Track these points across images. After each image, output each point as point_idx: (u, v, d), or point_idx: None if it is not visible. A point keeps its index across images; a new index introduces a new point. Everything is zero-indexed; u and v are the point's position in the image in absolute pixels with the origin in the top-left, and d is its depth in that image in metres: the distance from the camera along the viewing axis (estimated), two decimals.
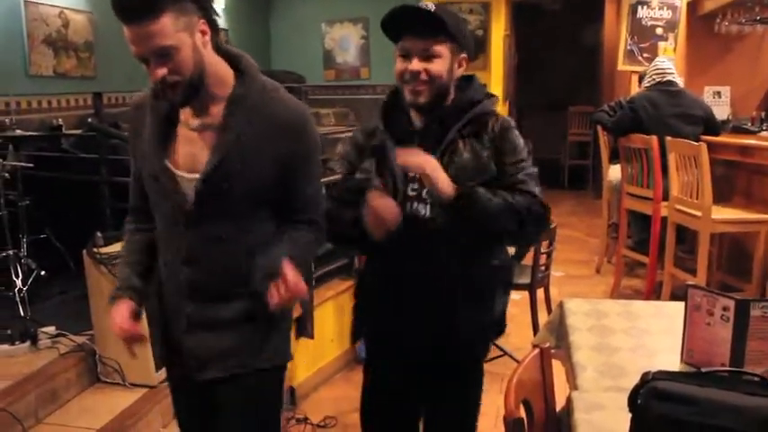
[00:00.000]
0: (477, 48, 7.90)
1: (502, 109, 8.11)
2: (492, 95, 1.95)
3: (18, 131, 4.24)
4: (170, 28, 1.46)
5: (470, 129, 1.85)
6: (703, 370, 1.35)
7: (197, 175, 1.62)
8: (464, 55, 1.87)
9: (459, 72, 1.88)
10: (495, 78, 7.81)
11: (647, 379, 1.33)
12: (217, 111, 1.63)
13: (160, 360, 1.97)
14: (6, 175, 3.55)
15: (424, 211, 1.85)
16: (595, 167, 8.13)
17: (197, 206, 1.63)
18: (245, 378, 1.74)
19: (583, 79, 9.99)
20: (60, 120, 5.40)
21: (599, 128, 5.51)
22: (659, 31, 6.25)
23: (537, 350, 1.78)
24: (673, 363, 1.79)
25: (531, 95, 10.20)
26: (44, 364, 3.03)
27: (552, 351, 2.43)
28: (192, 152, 1.64)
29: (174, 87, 1.52)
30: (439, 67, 1.79)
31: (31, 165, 3.70)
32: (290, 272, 1.54)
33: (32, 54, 5.49)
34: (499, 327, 2.14)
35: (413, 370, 2.03)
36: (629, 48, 6.28)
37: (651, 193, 4.55)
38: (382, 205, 1.74)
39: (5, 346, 3.15)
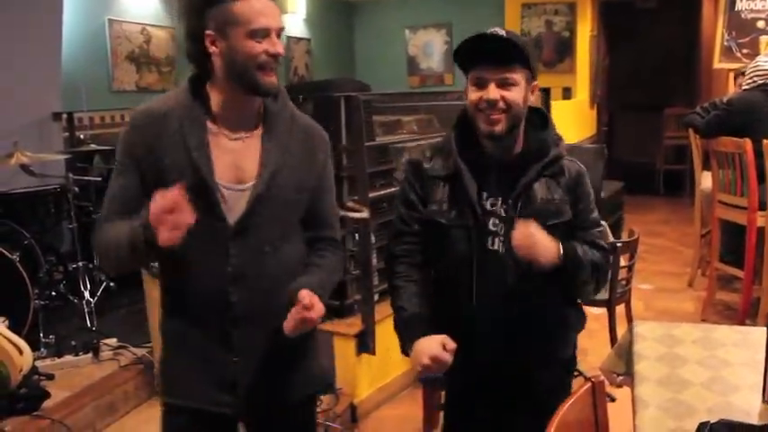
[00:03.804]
0: (564, 50, 7.62)
1: (589, 113, 7.79)
2: (561, 137, 1.89)
3: (92, 146, 4.35)
4: None
5: (550, 170, 1.80)
6: None
7: (245, 186, 1.59)
8: (536, 83, 1.81)
9: (532, 100, 1.82)
10: (582, 80, 7.51)
11: None
12: (253, 122, 1.63)
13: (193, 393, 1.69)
14: (76, 189, 3.63)
15: (502, 247, 1.77)
16: (693, 173, 7.65)
17: (246, 218, 1.58)
18: (293, 410, 1.75)
19: (679, 79, 9.46)
20: None
21: (691, 131, 5.14)
22: (761, 24, 5.78)
23: (588, 384, 1.58)
24: (753, 403, 1.55)
25: (624, 97, 9.75)
26: (103, 375, 3.05)
27: (620, 378, 2.22)
28: (234, 163, 1.60)
29: (275, 70, 1.56)
30: (516, 95, 1.73)
31: (99, 178, 3.77)
32: (306, 296, 1.52)
33: (116, 70, 5.68)
34: (571, 365, 2.07)
35: (489, 403, 1.93)
36: (726, 44, 5.85)
37: (745, 202, 4.17)
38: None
39: (70, 357, 3.21)
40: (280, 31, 1.55)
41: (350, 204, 3.46)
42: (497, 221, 1.78)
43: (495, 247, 1.77)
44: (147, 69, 5.94)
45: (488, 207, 1.78)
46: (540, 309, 1.83)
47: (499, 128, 1.73)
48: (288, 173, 1.62)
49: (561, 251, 1.71)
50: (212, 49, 1.53)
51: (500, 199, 1.77)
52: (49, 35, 4.49)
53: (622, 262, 3.63)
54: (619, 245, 3.54)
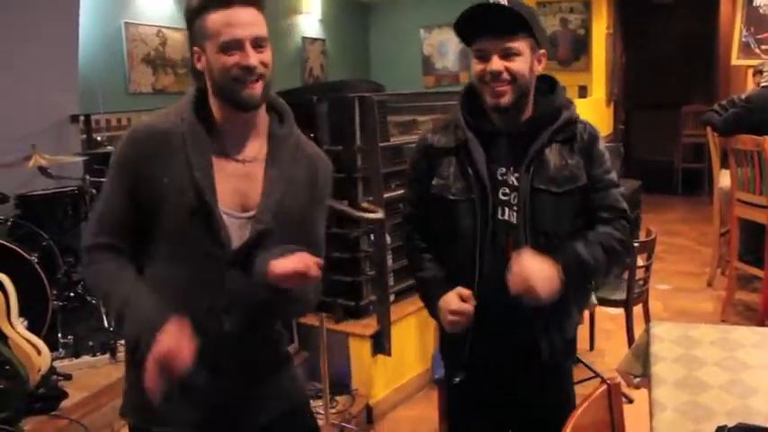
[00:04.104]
0: (579, 48, 7.57)
1: (605, 111, 7.72)
2: (572, 102, 1.84)
3: (109, 148, 4.38)
4: (264, 24, 1.50)
5: (562, 135, 1.76)
6: None
7: (248, 213, 1.53)
8: (543, 51, 1.76)
9: (539, 69, 1.76)
10: (598, 79, 7.45)
11: None
12: (258, 145, 1.57)
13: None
14: (93, 190, 3.65)
15: (514, 217, 1.73)
16: (711, 171, 7.58)
17: (245, 248, 1.50)
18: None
19: (697, 77, 9.35)
20: None
21: (709, 129, 5.08)
22: None
23: (604, 386, 1.57)
24: None
25: (641, 95, 9.66)
26: (120, 376, 3.05)
27: (637, 380, 2.20)
28: (237, 188, 1.53)
29: (259, 80, 1.48)
30: (520, 65, 1.68)
31: None
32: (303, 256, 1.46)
33: (132, 72, 5.72)
34: (571, 348, 1.96)
35: (498, 387, 1.90)
36: (744, 40, 5.78)
37: (765, 200, 4.12)
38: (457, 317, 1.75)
39: (87, 358, 3.23)
40: (256, 39, 1.46)
41: (364, 205, 3.46)
42: (507, 190, 1.73)
43: (506, 217, 1.72)
44: (162, 71, 5.98)
45: (499, 177, 1.73)
46: None
47: (505, 99, 1.69)
48: (290, 203, 1.56)
49: (561, 275, 1.63)
50: (198, 65, 1.50)
51: (511, 167, 1.73)
52: (65, 39, 4.53)
53: (640, 262, 3.60)
54: (636, 245, 3.51)
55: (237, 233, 1.51)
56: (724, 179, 4.98)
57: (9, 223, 3.65)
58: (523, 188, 1.71)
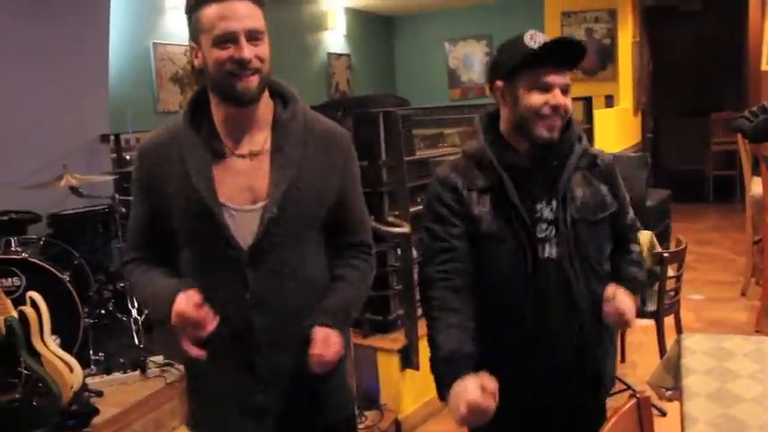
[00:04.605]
0: (605, 57, 7.52)
1: (632, 121, 7.65)
2: (582, 133, 1.85)
3: None
4: (261, 18, 1.47)
5: (584, 162, 1.75)
6: None
7: (259, 206, 1.51)
8: None
9: None
10: (625, 88, 7.39)
11: None
12: (263, 137, 1.54)
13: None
14: (123, 209, 3.71)
15: (554, 252, 1.68)
16: (743, 178, 7.46)
17: (261, 239, 1.50)
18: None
19: (726, 83, 9.24)
20: None
21: (739, 136, 5.00)
22: None
23: (634, 400, 1.54)
24: None
25: (669, 103, 9.56)
26: (150, 392, 3.09)
27: (669, 393, 2.16)
28: (246, 183, 1.52)
29: (255, 74, 1.45)
30: (570, 100, 1.69)
31: None
32: (320, 335, 1.50)
33: (161, 91, 5.81)
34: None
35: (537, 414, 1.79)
36: None
37: None
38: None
39: (118, 374, 3.27)
40: (251, 32, 1.43)
41: (391, 219, 3.46)
42: (545, 226, 1.68)
43: (547, 254, 1.67)
44: (190, 90, 6.05)
45: (536, 214, 1.68)
46: (595, 309, 1.69)
47: (556, 134, 1.67)
48: (305, 187, 1.53)
49: (637, 298, 1.70)
50: (196, 61, 1.49)
51: (543, 202, 1.69)
52: (96, 60, 4.62)
53: (670, 272, 3.54)
54: (666, 255, 3.46)
55: (250, 228, 1.50)
56: (756, 187, 4.89)
57: (42, 242, 3.72)
58: (562, 220, 1.67)
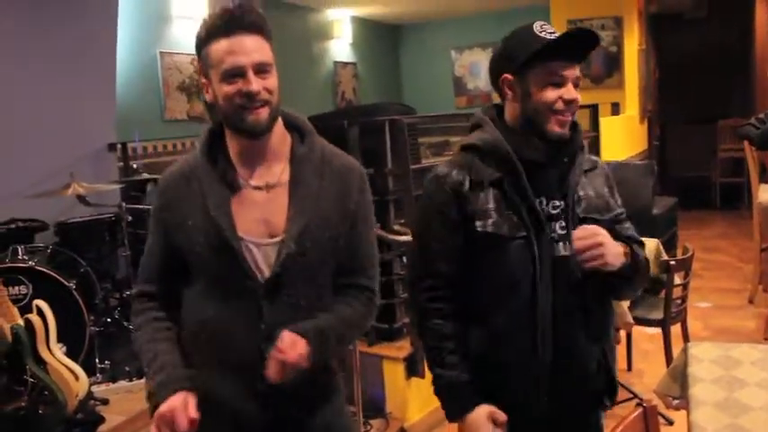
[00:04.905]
0: (612, 65, 7.51)
1: (639, 128, 7.63)
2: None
3: (145, 175, 4.47)
4: (269, 50, 1.48)
5: (588, 163, 1.70)
6: None
7: (276, 239, 1.50)
8: None
9: None
10: (631, 95, 7.38)
11: None
12: (279, 169, 1.55)
13: None
14: (130, 217, 3.72)
15: (568, 250, 1.61)
16: (750, 185, 7.44)
17: (279, 274, 1.49)
18: None
19: (733, 90, 9.22)
20: None
21: (746, 143, 4.99)
22: None
23: (640, 409, 1.53)
24: None
25: (675, 110, 9.55)
26: None
27: (676, 402, 2.15)
28: (262, 216, 1.52)
29: (264, 106, 1.46)
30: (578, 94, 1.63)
31: (151, 206, 3.85)
32: (286, 337, 1.43)
33: (168, 100, 5.83)
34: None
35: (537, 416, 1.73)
36: None
37: None
38: None
39: (124, 383, 3.27)
40: (259, 65, 1.44)
41: (396, 227, 3.46)
42: (556, 224, 1.62)
43: (562, 251, 1.61)
44: (197, 99, 6.08)
45: (551, 210, 1.62)
46: (606, 311, 1.70)
47: (567, 129, 1.61)
48: (320, 223, 1.52)
49: (627, 250, 1.60)
50: (207, 96, 1.50)
51: (553, 199, 1.63)
52: (103, 69, 4.66)
53: (677, 280, 3.53)
54: (672, 263, 3.45)
55: (268, 261, 1.50)
56: (764, 194, 4.88)
57: (48, 250, 3.74)
58: (573, 219, 1.62)
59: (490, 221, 1.60)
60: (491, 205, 1.60)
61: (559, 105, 1.58)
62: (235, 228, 1.49)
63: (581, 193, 1.65)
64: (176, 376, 1.50)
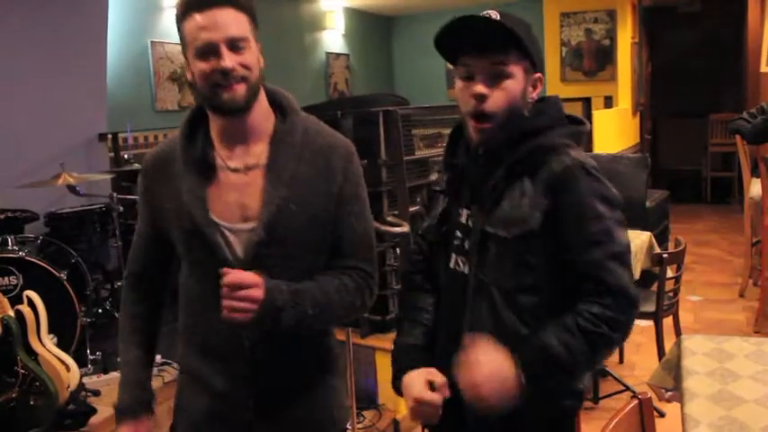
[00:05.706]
0: (604, 58, 7.51)
1: (631, 121, 7.63)
2: (566, 124, 1.49)
3: (135, 165, 4.43)
4: (246, 24, 1.40)
5: (525, 167, 1.41)
6: None
7: (251, 225, 1.44)
8: (539, 75, 1.46)
9: (534, 96, 1.46)
10: (623, 89, 7.39)
11: None
12: (260, 150, 1.47)
13: None
14: (121, 207, 3.69)
15: (464, 266, 1.49)
16: (741, 180, 7.48)
17: (252, 260, 1.43)
18: None
19: (726, 85, 9.24)
20: None
21: (738, 137, 5.00)
22: None
23: (635, 401, 1.53)
24: None
25: (668, 104, 9.57)
26: None
27: (668, 394, 2.16)
28: (238, 199, 1.46)
29: (241, 82, 1.39)
30: (511, 90, 1.40)
31: (136, 197, 3.82)
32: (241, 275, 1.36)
33: (158, 90, 5.79)
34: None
35: None
36: None
37: None
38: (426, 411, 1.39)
39: (115, 374, 3.25)
40: (231, 41, 1.36)
41: (390, 219, 3.45)
42: (459, 233, 1.49)
43: (453, 266, 1.49)
44: (188, 88, 6.04)
45: (461, 219, 1.49)
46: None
47: (484, 138, 1.41)
48: (297, 208, 1.45)
49: (522, 378, 1.29)
50: (188, 75, 1.44)
51: (470, 208, 1.48)
52: (94, 59, 4.61)
53: (669, 273, 3.54)
54: (665, 255, 3.46)
55: (243, 247, 1.45)
56: (755, 188, 4.90)
57: (39, 241, 3.71)
58: (474, 231, 1.45)
59: (428, 224, 1.61)
60: (438, 209, 1.58)
61: (468, 105, 1.41)
62: (208, 212, 1.44)
63: (500, 204, 1.42)
64: (135, 400, 1.57)
